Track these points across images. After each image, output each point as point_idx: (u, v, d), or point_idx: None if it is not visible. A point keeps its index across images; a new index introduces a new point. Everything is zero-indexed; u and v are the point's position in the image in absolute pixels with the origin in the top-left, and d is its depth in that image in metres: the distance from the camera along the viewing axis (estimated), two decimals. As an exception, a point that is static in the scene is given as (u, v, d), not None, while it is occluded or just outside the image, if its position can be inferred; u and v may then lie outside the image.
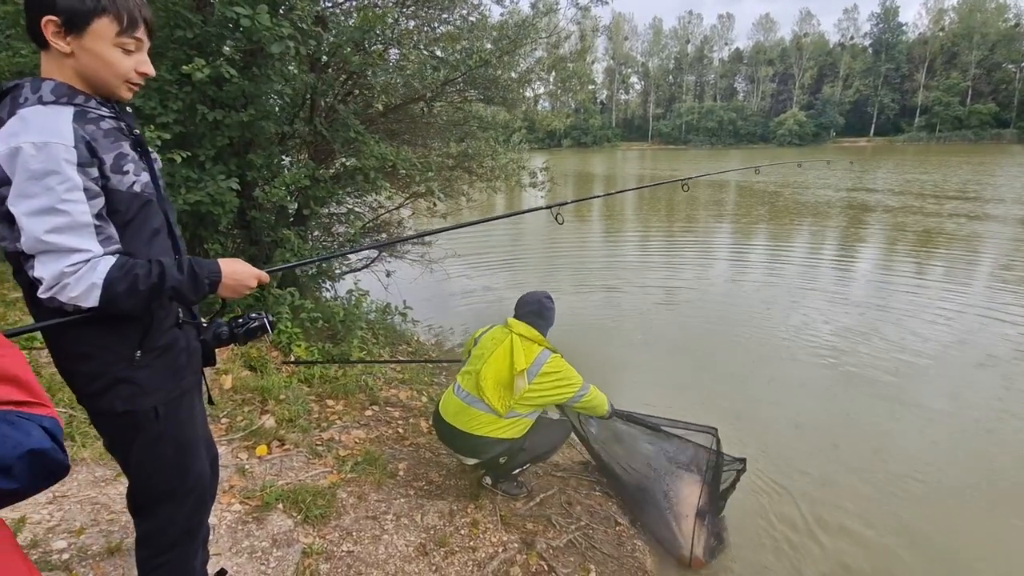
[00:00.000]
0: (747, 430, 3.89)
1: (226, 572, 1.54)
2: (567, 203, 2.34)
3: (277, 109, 4.14)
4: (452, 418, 2.49)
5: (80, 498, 1.88)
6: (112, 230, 1.09)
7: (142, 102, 3.32)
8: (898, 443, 3.77)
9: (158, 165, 1.30)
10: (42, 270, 1.00)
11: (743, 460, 2.81)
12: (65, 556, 1.63)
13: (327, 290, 5.42)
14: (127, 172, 1.11)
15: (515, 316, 2.59)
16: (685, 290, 7.54)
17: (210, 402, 1.39)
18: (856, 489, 3.28)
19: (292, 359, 3.83)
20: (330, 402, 3.48)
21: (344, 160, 4.51)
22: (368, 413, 3.47)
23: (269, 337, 1.54)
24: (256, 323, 1.32)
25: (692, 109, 71.11)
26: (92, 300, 1.02)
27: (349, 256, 5.63)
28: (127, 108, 1.22)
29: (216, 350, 1.38)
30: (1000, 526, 2.95)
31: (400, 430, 3.30)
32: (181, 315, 1.23)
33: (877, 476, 3.39)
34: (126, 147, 1.13)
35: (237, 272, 1.22)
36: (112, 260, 1.04)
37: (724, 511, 2.89)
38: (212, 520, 1.99)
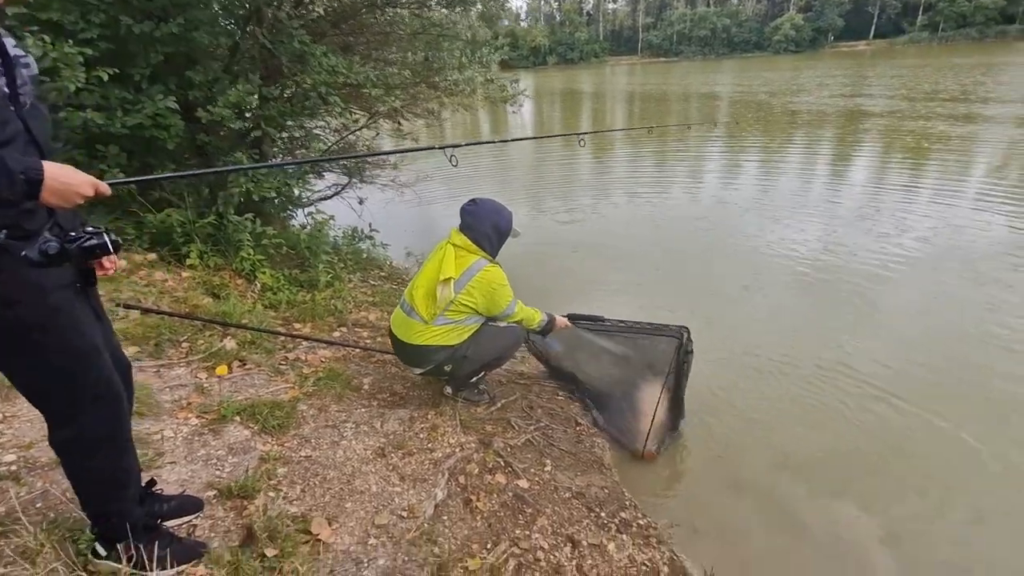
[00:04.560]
0: (716, 333, 3.98)
1: (155, 482, 1.58)
2: (460, 144, 2.28)
3: (217, 19, 3.84)
4: (396, 329, 2.53)
5: (31, 417, 1.91)
6: None
7: (60, 16, 3.06)
8: (862, 340, 3.86)
9: (31, 71, 1.18)
10: None
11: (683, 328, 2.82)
12: (14, 468, 1.67)
13: (294, 217, 5.31)
14: None
15: (459, 226, 2.54)
16: (668, 206, 7.43)
17: (98, 319, 1.33)
18: (815, 383, 3.40)
19: (258, 285, 3.81)
20: (297, 325, 3.49)
21: (296, 77, 4.25)
22: (336, 334, 3.49)
23: (114, 259, 1.35)
24: (93, 240, 1.12)
25: (684, 16, 67.18)
26: None
27: (312, 181, 5.45)
28: None
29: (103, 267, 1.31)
30: (964, 420, 3.06)
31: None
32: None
33: (838, 371, 3.50)
34: None
35: (67, 176, 1.06)
36: None
37: (684, 405, 2.99)
38: (168, 433, 2.05)
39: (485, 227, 2.52)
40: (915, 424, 3.02)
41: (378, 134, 5.93)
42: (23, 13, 2.79)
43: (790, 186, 8.06)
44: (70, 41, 2.83)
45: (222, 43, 3.63)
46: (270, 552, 1.54)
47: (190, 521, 1.62)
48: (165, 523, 1.56)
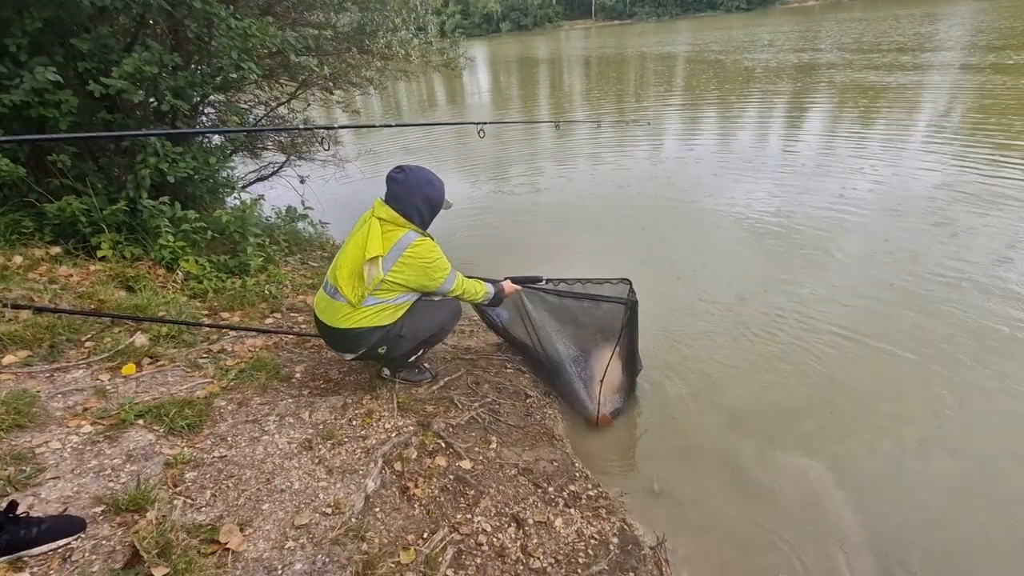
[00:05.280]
0: (670, 291, 3.90)
1: (16, 504, 1.36)
2: (335, 127, 2.06)
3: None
4: (321, 314, 2.30)
5: None
6: None
7: None
8: (815, 287, 3.83)
9: None
10: None
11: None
12: None
13: (226, 201, 4.94)
14: None
15: (384, 196, 2.30)
16: (630, 168, 7.27)
17: None
18: (769, 332, 3.36)
19: (180, 274, 3.51)
20: (225, 314, 3.23)
21: (208, 43, 3.86)
22: (269, 321, 3.25)
23: None
24: None
25: (637, -26, 66.24)
26: None
27: (244, 161, 5.07)
28: None
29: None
30: (895, 361, 3.08)
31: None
32: None
33: (787, 322, 3.46)
34: None
35: None
36: None
37: (638, 361, 2.88)
38: (55, 444, 1.81)
39: (415, 199, 2.27)
40: (866, 366, 3.01)
41: (308, 105, 5.54)
42: None
43: (746, 142, 8.02)
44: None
45: (111, 5, 3.22)
46: (159, 572, 1.35)
47: (66, 545, 1.41)
48: (35, 549, 1.35)
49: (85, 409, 2.03)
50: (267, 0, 4.79)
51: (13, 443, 1.75)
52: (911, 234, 4.48)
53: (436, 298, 2.46)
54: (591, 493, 2.11)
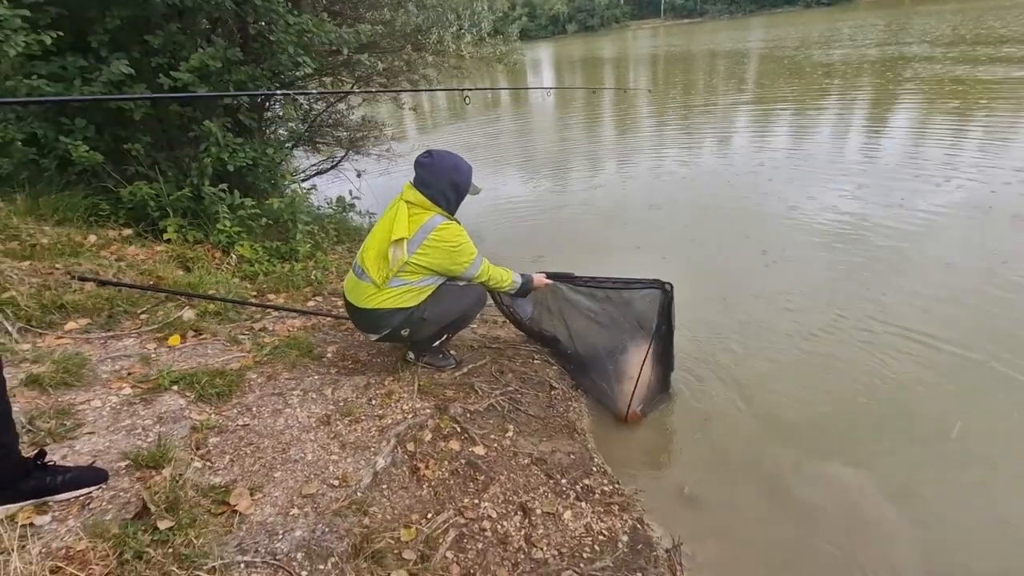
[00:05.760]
0: (721, 292, 3.71)
1: (45, 452, 1.47)
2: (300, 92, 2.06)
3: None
4: (349, 294, 2.36)
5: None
6: None
7: (2, -21, 2.94)
8: (878, 292, 3.52)
9: None
10: None
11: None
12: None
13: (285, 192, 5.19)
14: None
15: (413, 180, 2.33)
16: (693, 168, 6.96)
17: None
18: (825, 339, 3.11)
19: (234, 257, 3.71)
20: (271, 296, 3.39)
21: (270, 38, 4.06)
22: (311, 304, 3.38)
23: None
24: None
25: (708, -27, 63.95)
26: None
27: (306, 155, 5.31)
28: None
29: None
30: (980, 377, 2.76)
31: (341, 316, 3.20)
32: None
33: (849, 325, 3.20)
34: None
35: None
36: None
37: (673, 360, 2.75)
38: (96, 403, 1.95)
39: (441, 183, 2.29)
40: (938, 378, 2.71)
41: (363, 101, 5.72)
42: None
43: (822, 142, 7.44)
44: (4, 2, 2.72)
45: (186, 4, 3.46)
46: (164, 524, 1.42)
47: (88, 494, 1.50)
48: (59, 496, 1.45)
49: (129, 373, 2.17)
50: (331, 8, 4.99)
51: (59, 399, 1.90)
52: (1006, 243, 4.01)
53: (461, 283, 2.45)
54: (606, 488, 2.03)
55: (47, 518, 1.43)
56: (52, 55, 3.20)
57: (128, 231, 3.66)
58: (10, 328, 2.30)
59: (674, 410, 2.68)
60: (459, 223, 2.37)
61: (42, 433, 1.71)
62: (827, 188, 5.52)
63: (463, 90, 3.21)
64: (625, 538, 1.80)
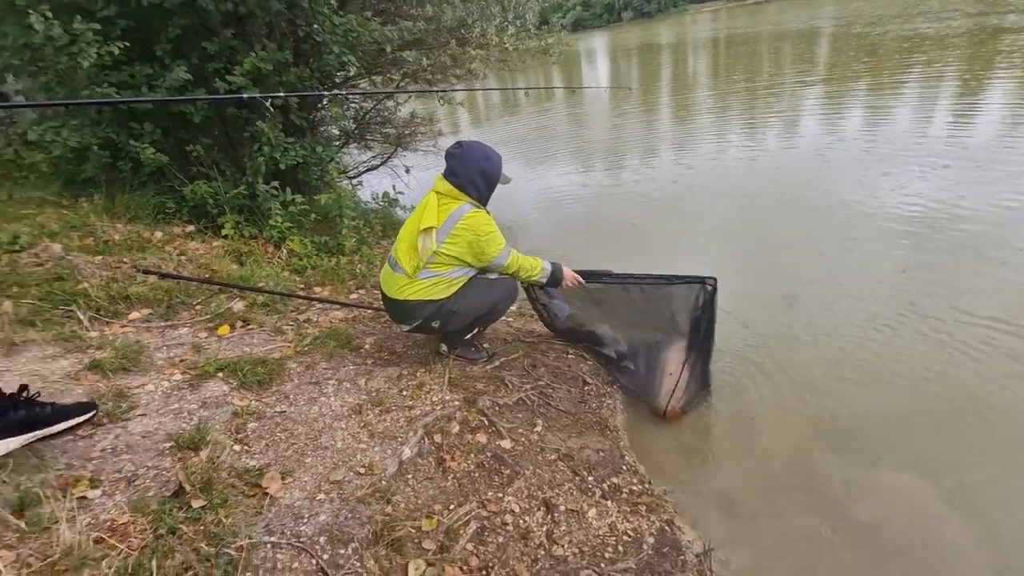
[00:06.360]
0: (775, 285, 3.51)
1: (27, 387, 1.58)
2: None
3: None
4: (384, 285, 2.41)
5: (23, 371, 2.02)
6: None
7: (80, -4, 3.20)
8: (960, 288, 3.21)
9: None
10: None
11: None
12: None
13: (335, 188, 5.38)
14: None
15: (443, 171, 2.35)
16: (760, 156, 6.61)
17: None
18: (891, 335, 2.88)
19: (285, 252, 3.89)
20: (317, 288, 3.52)
21: (317, 39, 4.20)
22: (354, 296, 3.48)
23: None
24: None
25: (777, -51, 60.33)
26: None
27: (354, 151, 5.47)
28: None
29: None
30: None
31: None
32: None
33: (917, 321, 2.94)
34: None
35: None
36: None
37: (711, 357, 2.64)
38: (150, 387, 2.09)
39: (470, 172, 2.31)
40: (1015, 375, 2.45)
41: (410, 98, 5.81)
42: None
43: (902, 126, 6.79)
44: (78, 17, 2.95)
45: (239, 11, 3.64)
46: (197, 503, 1.50)
47: (82, 423, 1.62)
48: (53, 427, 1.58)
49: (181, 361, 2.32)
50: (379, 8, 5.08)
51: (118, 383, 2.06)
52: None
53: (492, 276, 2.45)
54: (635, 488, 1.97)
55: (98, 492, 1.55)
56: (122, 65, 3.45)
57: (190, 228, 3.90)
58: (82, 317, 2.51)
59: (717, 409, 2.57)
60: (488, 212, 2.37)
61: (100, 413, 1.85)
62: (906, 170, 5.10)
63: (439, 91, 3.15)
64: (651, 540, 1.74)
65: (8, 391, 1.55)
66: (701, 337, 2.54)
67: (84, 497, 1.52)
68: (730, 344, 2.92)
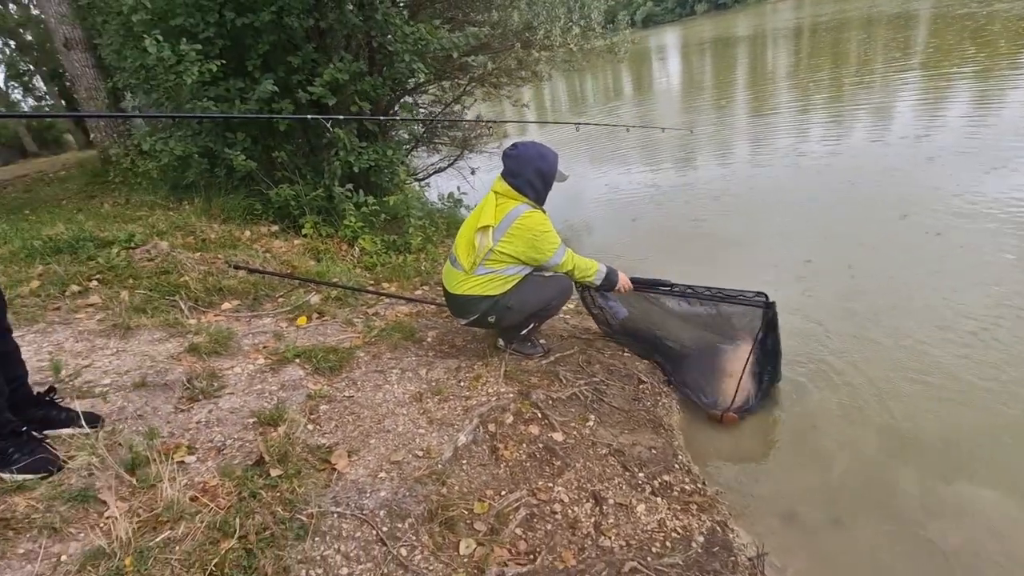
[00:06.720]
0: (849, 292, 3.33)
1: (55, 390, 1.77)
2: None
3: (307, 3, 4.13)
4: (445, 280, 2.54)
5: (136, 352, 2.31)
6: None
7: (183, 20, 3.58)
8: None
9: None
10: None
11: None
12: (106, 388, 2.04)
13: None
14: None
15: (502, 172, 2.44)
16: (846, 154, 6.23)
17: None
18: (972, 344, 2.66)
19: (357, 250, 4.14)
20: (385, 284, 3.72)
21: (389, 49, 4.43)
22: (418, 292, 3.65)
23: None
24: None
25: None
26: None
27: (423, 154, 5.70)
28: None
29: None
30: None
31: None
32: None
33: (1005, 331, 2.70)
34: None
35: None
36: None
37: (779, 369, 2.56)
38: (237, 370, 2.33)
39: (527, 172, 2.39)
40: None
41: (475, 100, 5.97)
42: (149, 19, 3.32)
43: (1012, 119, 6.15)
44: (184, 39, 3.31)
45: (320, 25, 3.93)
46: (275, 472, 1.67)
47: (83, 432, 1.76)
48: (62, 430, 1.75)
49: (264, 347, 2.56)
50: (446, 16, 5.28)
51: (212, 364, 2.31)
52: None
53: (547, 274, 2.51)
54: (686, 487, 1.96)
55: (193, 458, 1.76)
56: (219, 80, 3.83)
57: (275, 227, 4.25)
58: (183, 306, 2.83)
59: (778, 416, 2.48)
60: (544, 212, 2.44)
61: (196, 390, 2.09)
62: (1009, 166, 4.63)
63: (488, 122, 3.20)
64: (701, 539, 1.73)
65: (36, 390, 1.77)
66: (762, 348, 2.47)
67: (182, 461, 1.74)
68: (796, 346, 2.81)
